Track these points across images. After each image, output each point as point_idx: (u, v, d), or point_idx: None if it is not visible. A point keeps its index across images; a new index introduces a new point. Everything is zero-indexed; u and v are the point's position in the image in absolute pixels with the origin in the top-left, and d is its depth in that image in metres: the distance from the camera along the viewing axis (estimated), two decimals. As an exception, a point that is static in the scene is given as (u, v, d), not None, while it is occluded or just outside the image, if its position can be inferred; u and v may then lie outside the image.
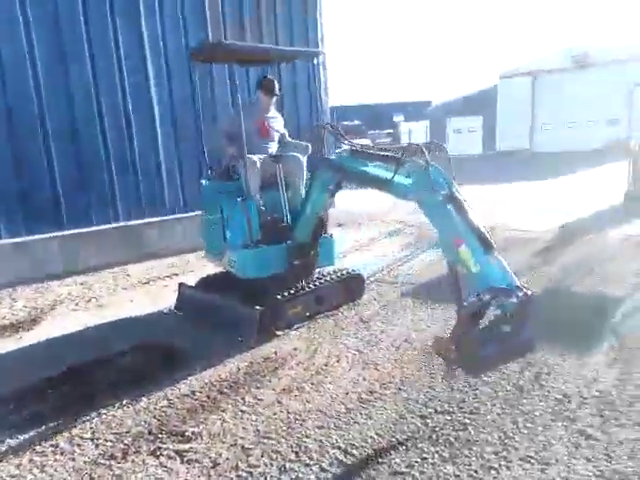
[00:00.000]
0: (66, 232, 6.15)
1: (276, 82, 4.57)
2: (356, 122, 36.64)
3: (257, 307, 4.12)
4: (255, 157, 4.26)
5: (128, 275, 6.10)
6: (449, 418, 2.94)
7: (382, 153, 3.54)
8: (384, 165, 3.46)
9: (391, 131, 36.89)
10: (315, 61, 4.81)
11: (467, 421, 2.90)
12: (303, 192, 4.52)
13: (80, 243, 6.31)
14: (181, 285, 4.84)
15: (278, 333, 4.23)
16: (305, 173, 4.59)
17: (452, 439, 2.74)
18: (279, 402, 3.22)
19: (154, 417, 3.10)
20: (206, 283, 4.82)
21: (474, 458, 2.57)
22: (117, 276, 6.08)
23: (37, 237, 5.99)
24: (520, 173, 16.47)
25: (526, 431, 2.77)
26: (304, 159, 4.60)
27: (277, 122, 4.82)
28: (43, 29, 5.92)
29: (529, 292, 2.62)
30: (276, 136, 4.76)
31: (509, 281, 2.65)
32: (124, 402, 3.26)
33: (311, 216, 4.31)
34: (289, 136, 4.95)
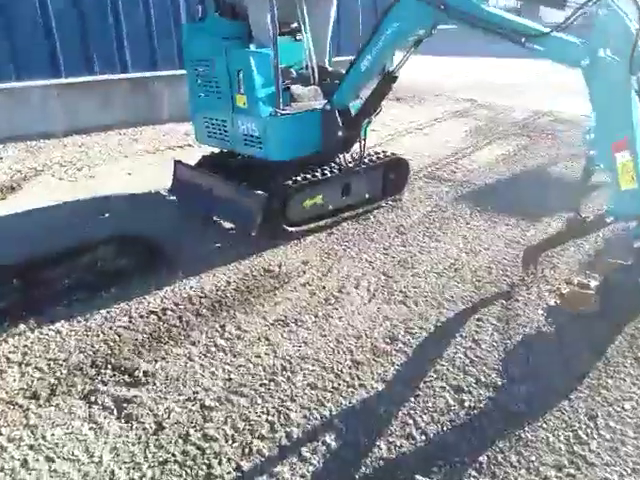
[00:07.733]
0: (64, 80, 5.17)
1: None
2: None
3: (260, 192, 3.19)
4: None
5: (135, 140, 5.22)
6: (492, 395, 2.07)
7: None
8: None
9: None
10: None
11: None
12: (328, 42, 3.48)
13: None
14: (177, 163, 3.86)
15: (289, 230, 3.34)
16: (334, 15, 3.39)
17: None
18: (267, 339, 2.43)
19: (105, 342, 2.40)
20: (209, 162, 3.86)
21: None
22: (124, 140, 5.22)
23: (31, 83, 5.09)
24: None
25: None
26: None
27: None
28: None
29: None
30: None
31: None
32: (75, 315, 2.58)
33: (371, 71, 3.14)
34: None
